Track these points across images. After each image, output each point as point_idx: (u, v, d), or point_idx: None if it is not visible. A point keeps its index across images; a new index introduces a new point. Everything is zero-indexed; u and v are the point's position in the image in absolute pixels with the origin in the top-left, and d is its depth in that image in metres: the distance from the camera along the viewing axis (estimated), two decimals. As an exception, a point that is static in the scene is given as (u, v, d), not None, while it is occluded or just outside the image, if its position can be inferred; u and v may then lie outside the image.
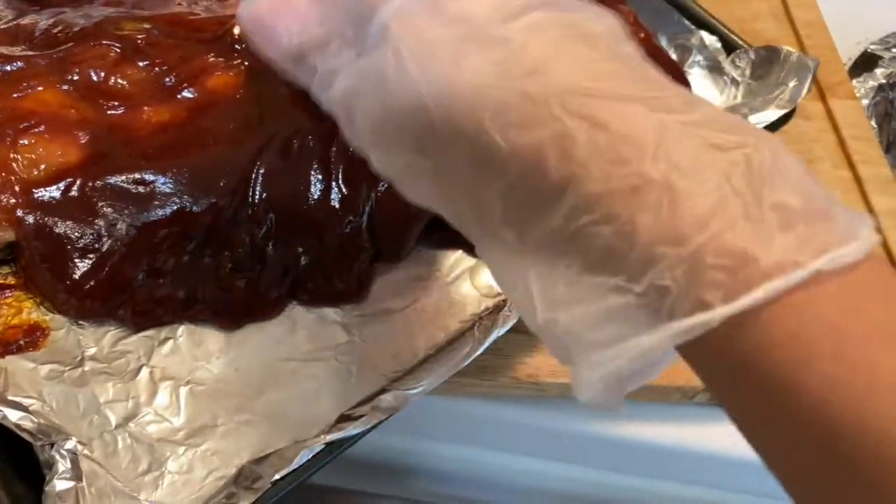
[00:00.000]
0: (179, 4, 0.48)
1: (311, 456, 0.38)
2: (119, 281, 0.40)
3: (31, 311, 0.40)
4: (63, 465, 0.36)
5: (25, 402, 0.37)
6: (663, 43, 0.56)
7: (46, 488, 0.35)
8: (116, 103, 0.42)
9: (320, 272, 0.42)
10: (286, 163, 0.42)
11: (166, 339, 0.40)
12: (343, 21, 0.29)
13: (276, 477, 0.37)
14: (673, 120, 0.25)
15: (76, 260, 0.39)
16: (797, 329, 0.23)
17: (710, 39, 0.57)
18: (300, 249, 0.42)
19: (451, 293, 0.44)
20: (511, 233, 0.27)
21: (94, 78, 0.43)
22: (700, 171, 0.24)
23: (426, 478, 0.58)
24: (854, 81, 0.72)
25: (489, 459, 0.57)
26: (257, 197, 0.41)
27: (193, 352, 0.40)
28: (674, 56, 0.56)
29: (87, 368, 0.39)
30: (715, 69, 0.56)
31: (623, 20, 0.28)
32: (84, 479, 0.36)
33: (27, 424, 0.36)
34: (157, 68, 0.43)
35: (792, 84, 0.52)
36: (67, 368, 0.39)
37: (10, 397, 0.37)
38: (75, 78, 0.42)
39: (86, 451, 0.36)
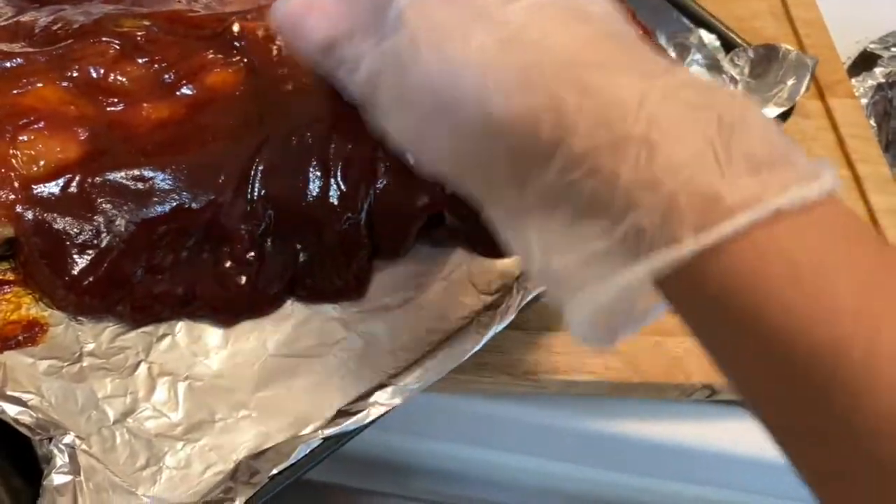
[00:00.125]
0: (179, 2, 0.48)
1: (308, 451, 0.38)
2: (118, 277, 0.40)
3: (30, 307, 0.40)
4: (61, 459, 0.36)
5: (24, 396, 0.37)
6: (662, 41, 0.56)
7: (44, 482, 0.35)
8: (116, 100, 0.42)
9: (319, 268, 0.42)
10: (285, 160, 0.42)
11: (165, 335, 0.41)
12: (365, 14, 0.33)
13: (274, 472, 0.37)
14: (655, 85, 0.27)
15: (75, 256, 0.39)
16: (759, 261, 0.25)
17: (709, 38, 0.57)
18: (299, 246, 0.42)
19: (449, 290, 0.44)
20: (513, 191, 0.29)
21: (94, 75, 0.43)
22: (677, 127, 0.26)
23: (424, 475, 0.58)
24: (853, 80, 0.72)
25: (487, 457, 0.57)
26: (256, 194, 0.41)
27: (192, 347, 0.40)
28: (672, 54, 0.56)
29: (85, 364, 0.39)
30: (714, 67, 0.56)
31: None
32: (82, 474, 0.36)
33: (25, 419, 0.36)
34: (156, 65, 0.43)
35: (790, 82, 0.53)
36: (66, 364, 0.39)
37: (8, 392, 0.37)
38: (75, 75, 0.43)
39: (84, 446, 0.37)
